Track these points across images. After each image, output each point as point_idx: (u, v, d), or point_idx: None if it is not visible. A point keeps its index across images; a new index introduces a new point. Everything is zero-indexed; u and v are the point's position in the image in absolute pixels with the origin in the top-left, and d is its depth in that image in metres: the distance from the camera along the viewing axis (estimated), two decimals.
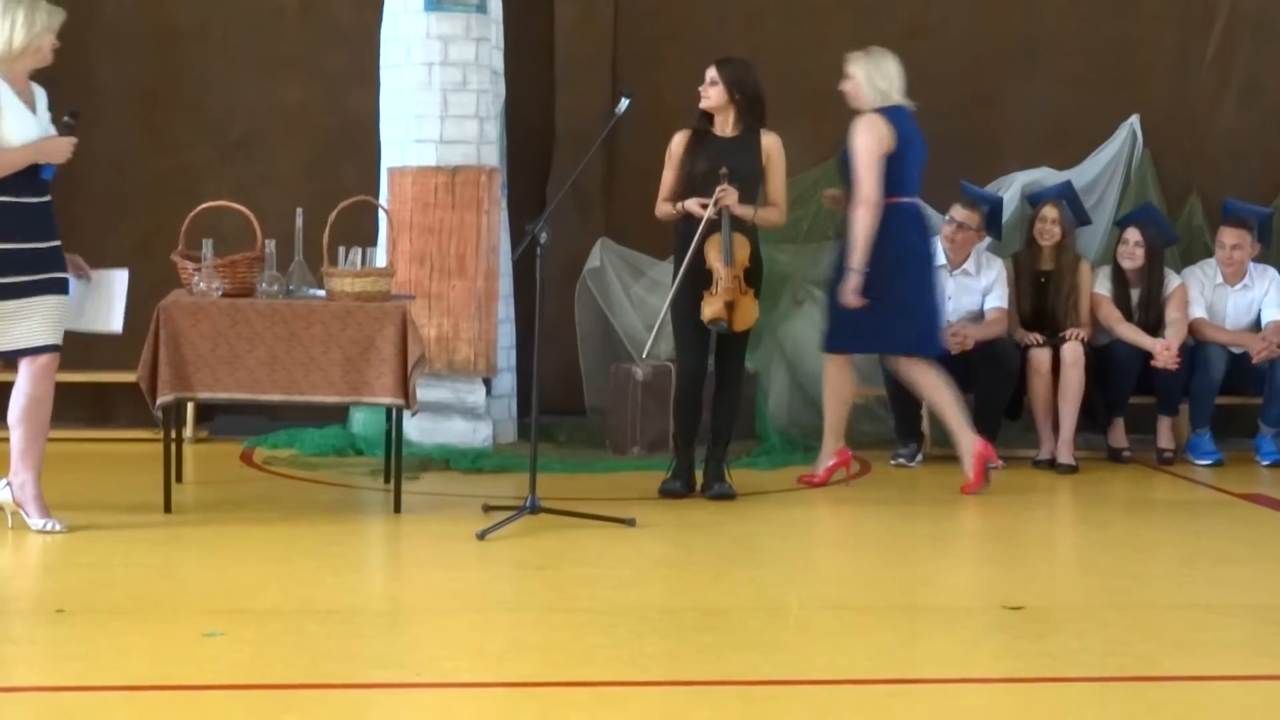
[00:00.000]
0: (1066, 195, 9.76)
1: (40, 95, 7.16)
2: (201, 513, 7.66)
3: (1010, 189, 10.18)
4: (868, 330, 8.30)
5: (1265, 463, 9.42)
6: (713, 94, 8.02)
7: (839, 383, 8.51)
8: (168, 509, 7.47)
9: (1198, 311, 9.54)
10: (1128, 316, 9.44)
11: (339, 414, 9.34)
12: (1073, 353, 9.20)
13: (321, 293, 7.66)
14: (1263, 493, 8.67)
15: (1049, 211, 9.51)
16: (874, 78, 8.35)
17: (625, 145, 9.80)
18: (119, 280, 7.39)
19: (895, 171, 8.26)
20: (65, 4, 7.21)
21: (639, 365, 9.26)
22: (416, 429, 8.98)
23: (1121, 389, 9.39)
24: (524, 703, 5.03)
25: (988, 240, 9.58)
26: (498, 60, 9.43)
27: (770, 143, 8.04)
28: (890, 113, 8.30)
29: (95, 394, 9.48)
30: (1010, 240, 9.91)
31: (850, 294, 8.19)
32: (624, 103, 7.85)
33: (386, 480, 8.14)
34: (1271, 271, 9.69)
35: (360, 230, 8.43)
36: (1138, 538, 7.80)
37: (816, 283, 10.01)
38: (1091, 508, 8.50)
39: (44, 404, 7.07)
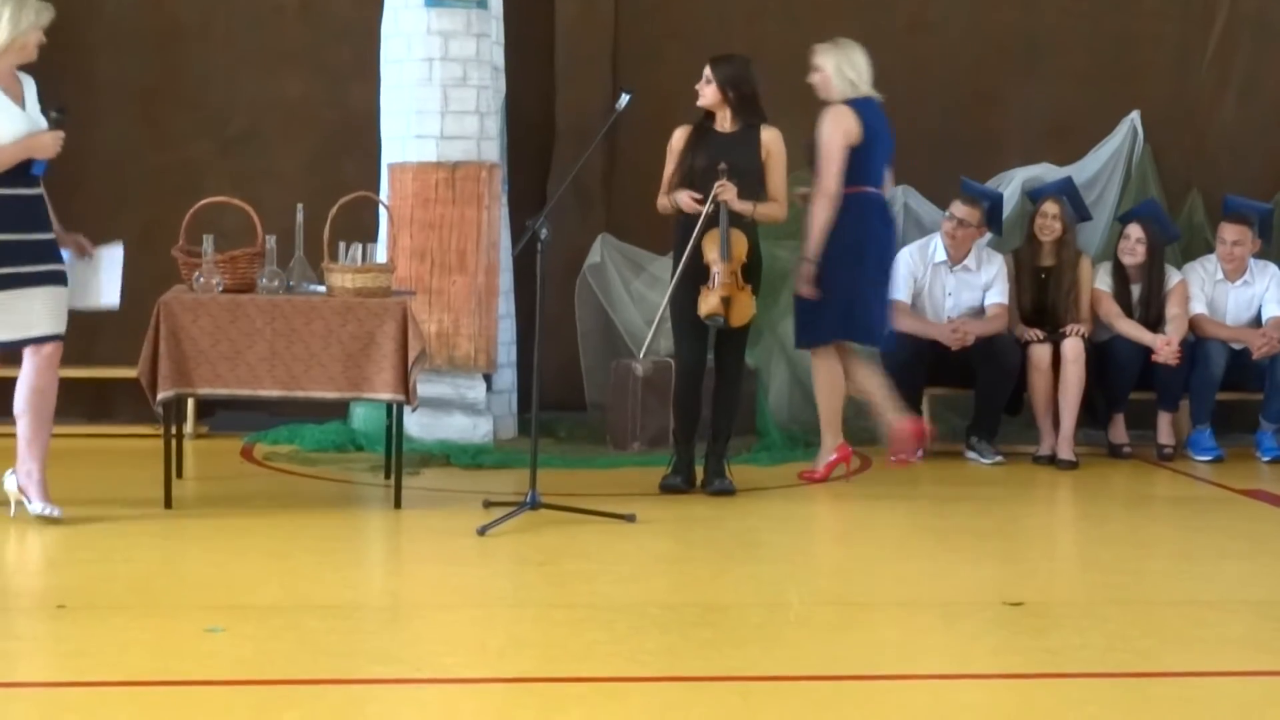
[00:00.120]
0: (1067, 191, 9.76)
1: (29, 87, 7.19)
2: (202, 508, 7.66)
3: (1011, 185, 10.18)
4: (830, 320, 8.30)
5: (1265, 458, 9.42)
6: (707, 92, 8.04)
7: (826, 376, 8.50)
8: (168, 505, 7.47)
9: (1198, 307, 9.54)
10: (1128, 312, 9.44)
11: (339, 410, 9.34)
12: (1073, 349, 9.21)
13: (322, 288, 7.66)
14: (1263, 488, 8.67)
15: (1050, 207, 9.51)
16: (843, 69, 8.36)
17: (626, 141, 9.80)
18: (114, 254, 7.44)
19: (861, 163, 8.27)
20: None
21: (639, 361, 9.26)
22: (417, 425, 8.98)
23: (1122, 385, 9.39)
24: (524, 698, 5.04)
25: (988, 236, 9.59)
26: (498, 56, 9.43)
27: (770, 138, 8.04)
28: (858, 104, 8.32)
29: (96, 390, 9.48)
30: (1011, 236, 9.92)
31: (805, 284, 8.21)
32: (624, 98, 7.85)
33: (387, 476, 8.14)
34: (1272, 267, 9.69)
35: (361, 226, 8.43)
36: (1138, 533, 7.81)
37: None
38: (1091, 503, 8.50)
39: (48, 394, 7.14)
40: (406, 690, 5.10)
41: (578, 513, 7.41)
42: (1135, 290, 9.51)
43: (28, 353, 7.12)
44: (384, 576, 6.90)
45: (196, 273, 7.52)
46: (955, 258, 9.37)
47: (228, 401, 8.88)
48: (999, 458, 9.19)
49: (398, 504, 7.64)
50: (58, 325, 7.15)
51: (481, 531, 7.09)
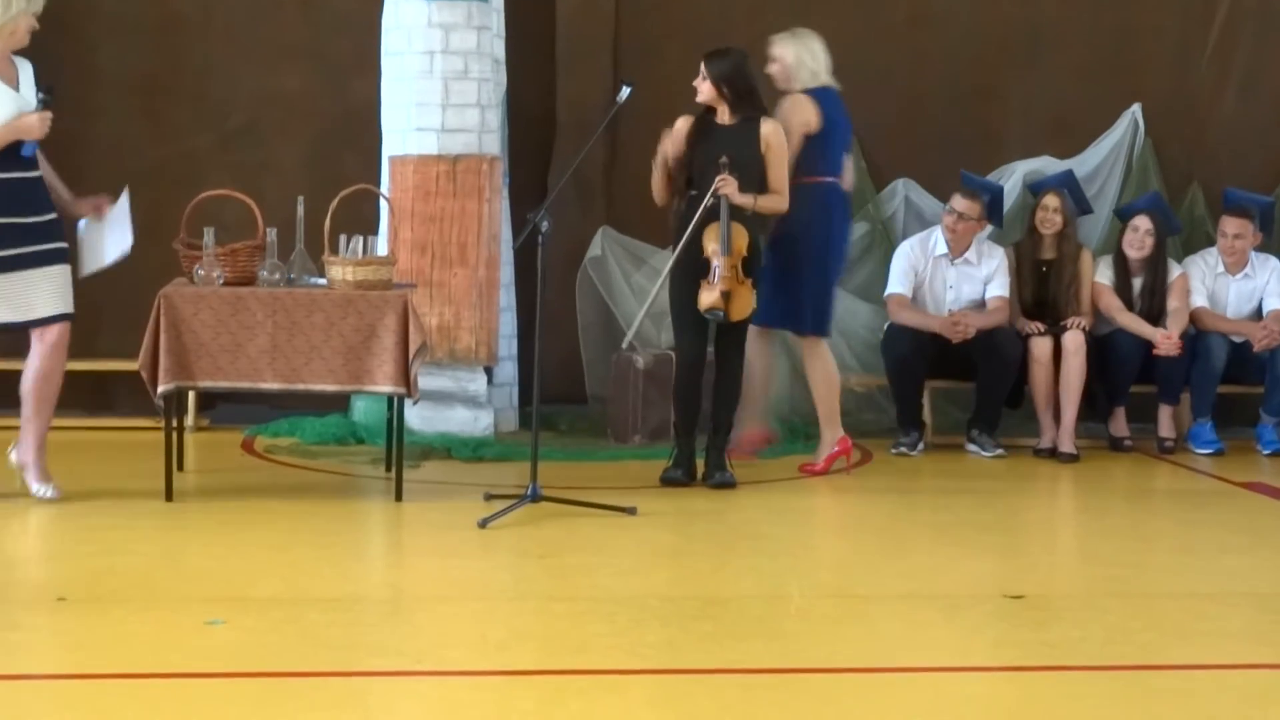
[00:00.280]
0: (1068, 184, 9.76)
1: (25, 69, 7.22)
2: (203, 501, 7.66)
3: (1012, 178, 10.18)
4: (782, 307, 8.30)
5: (1266, 452, 9.43)
6: (703, 89, 8.05)
7: (822, 369, 8.49)
8: (169, 497, 7.48)
9: (1199, 301, 9.54)
10: (1129, 305, 9.44)
11: (340, 402, 9.34)
12: (1074, 342, 9.21)
13: (323, 281, 7.66)
14: (1263, 481, 8.67)
15: (1050, 200, 9.51)
16: (804, 58, 8.38)
17: (626, 134, 9.78)
18: (122, 204, 7.52)
19: (819, 151, 8.30)
20: None
21: (640, 354, 9.25)
22: (418, 417, 8.98)
23: (1122, 378, 9.39)
24: (524, 690, 5.04)
25: (989, 229, 9.59)
26: (499, 49, 9.42)
27: (769, 130, 8.03)
28: (817, 94, 8.33)
29: (97, 382, 9.48)
30: (1012, 229, 9.92)
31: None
32: (625, 91, 7.86)
33: (388, 469, 8.14)
34: (1273, 260, 9.69)
35: (361, 219, 8.43)
36: (1138, 527, 7.81)
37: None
38: (1092, 497, 8.50)
39: (53, 379, 7.27)
40: (407, 683, 5.10)
41: (579, 505, 7.41)
42: (1136, 283, 9.51)
43: (34, 337, 7.23)
44: (385, 569, 6.90)
45: (197, 265, 7.52)
46: (956, 251, 9.37)
47: (228, 394, 8.87)
48: (1000, 451, 9.20)
49: (398, 497, 7.65)
50: (61, 305, 7.23)
51: (482, 524, 7.10)
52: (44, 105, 7.18)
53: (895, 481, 8.57)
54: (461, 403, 9.21)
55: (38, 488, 7.31)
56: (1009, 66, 10.38)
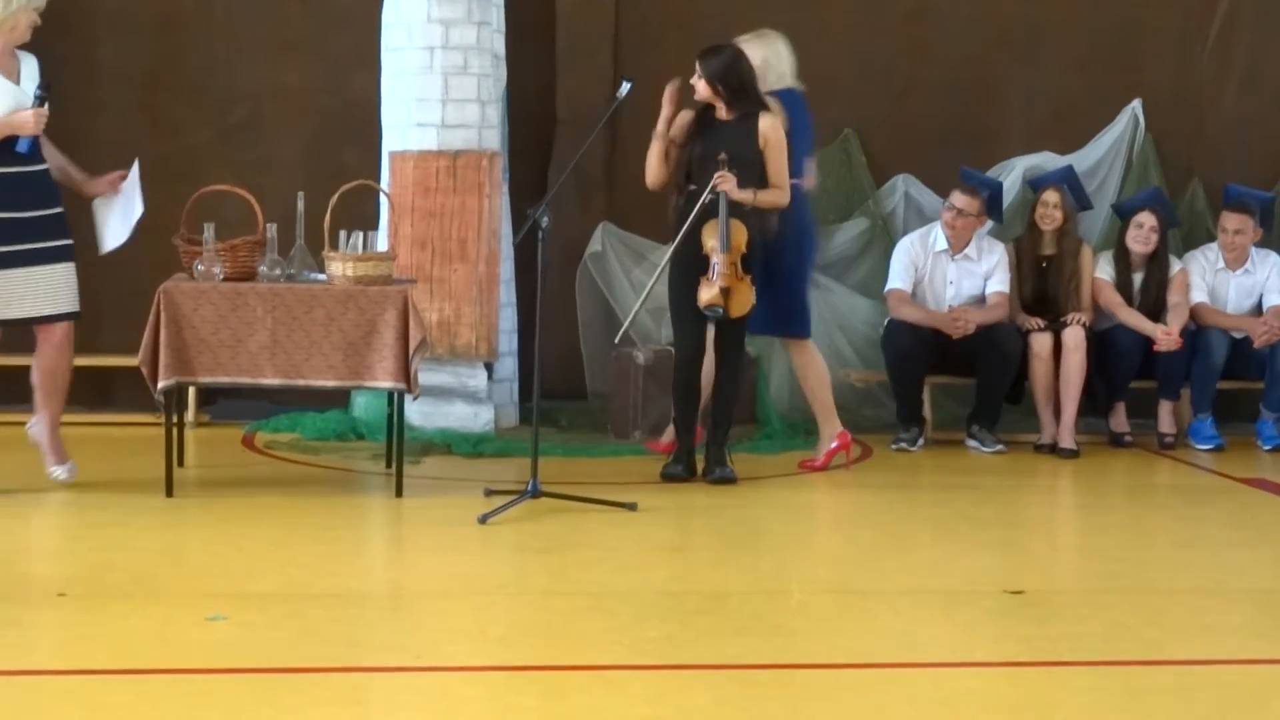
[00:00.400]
0: (1068, 180, 9.75)
1: (28, 64, 7.24)
2: (203, 497, 7.67)
3: (1012, 173, 10.17)
4: (765, 314, 8.28)
5: (1266, 447, 9.42)
6: (699, 87, 8.03)
7: (813, 366, 8.47)
8: (169, 493, 7.48)
9: (1199, 296, 9.54)
10: (1129, 301, 9.44)
11: (340, 398, 9.34)
12: (1074, 337, 9.20)
13: (323, 277, 7.66)
14: (1264, 477, 8.67)
15: (1050, 196, 9.50)
16: (771, 60, 8.35)
17: (627, 130, 9.77)
18: (132, 177, 7.61)
19: (788, 154, 8.24)
20: None
21: (640, 349, 9.25)
22: (418, 413, 8.98)
23: (1122, 374, 9.39)
24: (525, 686, 5.04)
25: (989, 225, 9.58)
26: (499, 44, 9.42)
27: (767, 125, 8.01)
28: (782, 95, 8.31)
29: (97, 378, 9.48)
30: (1012, 225, 9.91)
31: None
32: (625, 87, 7.85)
33: (388, 464, 8.14)
34: (1273, 256, 9.69)
35: (361, 214, 8.42)
36: (1138, 522, 7.81)
37: (818, 267, 10.01)
38: (1092, 492, 8.50)
39: (57, 376, 7.46)
40: (407, 678, 5.10)
41: (579, 501, 7.41)
42: (1136, 279, 9.51)
43: (39, 334, 7.28)
44: (385, 565, 6.90)
45: (197, 261, 7.53)
46: (956, 247, 9.36)
47: (229, 390, 8.88)
48: (1000, 446, 9.19)
49: (399, 492, 7.65)
50: (64, 304, 7.29)
51: (483, 520, 7.10)
52: (40, 102, 7.19)
53: (895, 477, 8.57)
54: (462, 398, 9.21)
55: (52, 470, 7.49)
56: (1009, 62, 10.37)
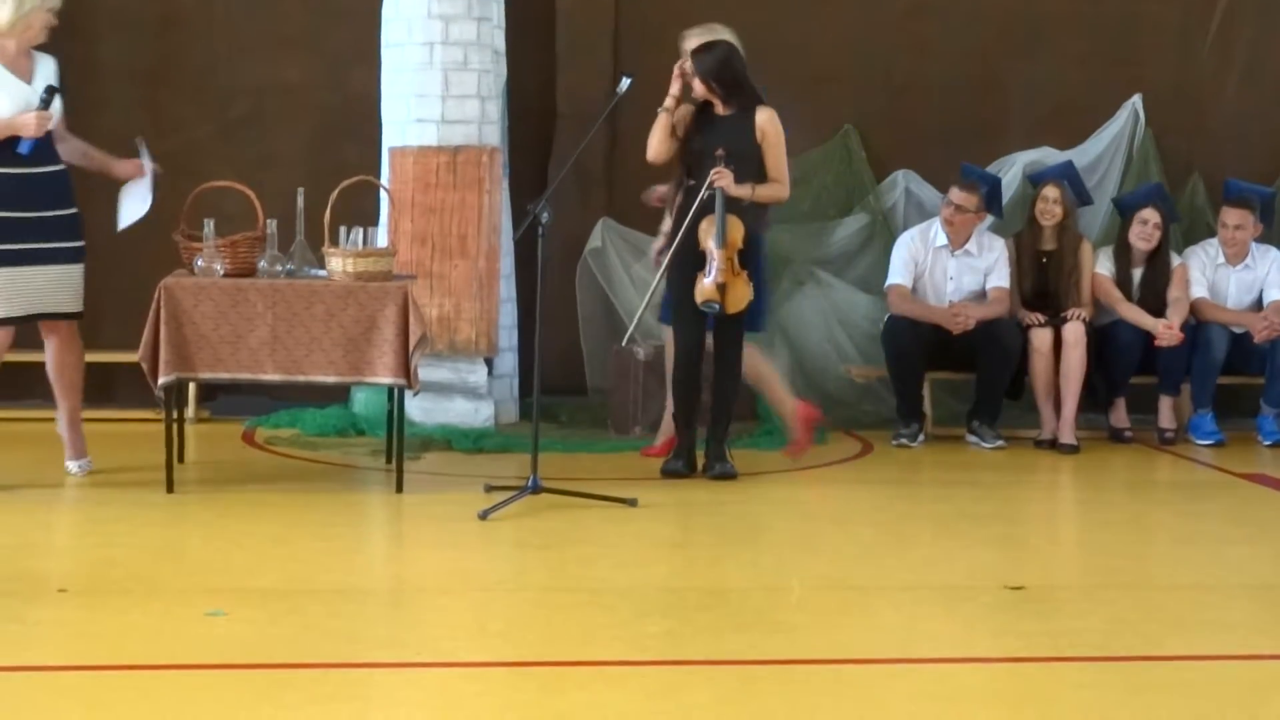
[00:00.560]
0: (1068, 175, 9.75)
1: (44, 65, 7.26)
2: (203, 493, 7.67)
3: (1012, 169, 10.17)
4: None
5: (1267, 443, 9.42)
6: (696, 84, 8.02)
7: (755, 359, 8.43)
8: (170, 489, 7.48)
9: (1199, 291, 9.54)
10: (1129, 296, 9.44)
11: (341, 394, 9.35)
12: (1074, 333, 9.20)
13: (323, 272, 7.66)
14: (1264, 473, 8.67)
15: (1050, 191, 9.50)
16: None
17: (626, 125, 9.77)
18: (146, 162, 7.74)
19: None
20: None
21: (641, 345, 9.25)
22: (418, 409, 8.98)
23: (1123, 369, 9.39)
24: (525, 682, 5.04)
25: (989, 220, 9.58)
26: (499, 40, 9.41)
27: (764, 120, 8.00)
28: None
29: (97, 374, 9.45)
30: (1012, 220, 9.91)
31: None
32: (625, 82, 7.84)
33: (388, 460, 8.14)
34: (1273, 251, 9.69)
35: (362, 210, 8.42)
36: (1139, 518, 7.81)
37: (818, 262, 10.02)
38: (1093, 488, 8.50)
39: (67, 371, 7.59)
40: (407, 674, 5.10)
41: (579, 497, 7.41)
42: (1136, 274, 9.51)
43: (43, 331, 7.35)
44: (385, 560, 6.91)
45: (197, 257, 7.53)
46: (956, 242, 9.36)
47: (229, 385, 8.88)
48: (1000, 442, 9.19)
49: (399, 488, 7.65)
50: (65, 305, 7.32)
51: (483, 516, 7.10)
52: (44, 104, 7.20)
53: (896, 473, 8.57)
54: (462, 394, 9.21)
55: (66, 463, 7.67)
56: (1009, 57, 10.37)
